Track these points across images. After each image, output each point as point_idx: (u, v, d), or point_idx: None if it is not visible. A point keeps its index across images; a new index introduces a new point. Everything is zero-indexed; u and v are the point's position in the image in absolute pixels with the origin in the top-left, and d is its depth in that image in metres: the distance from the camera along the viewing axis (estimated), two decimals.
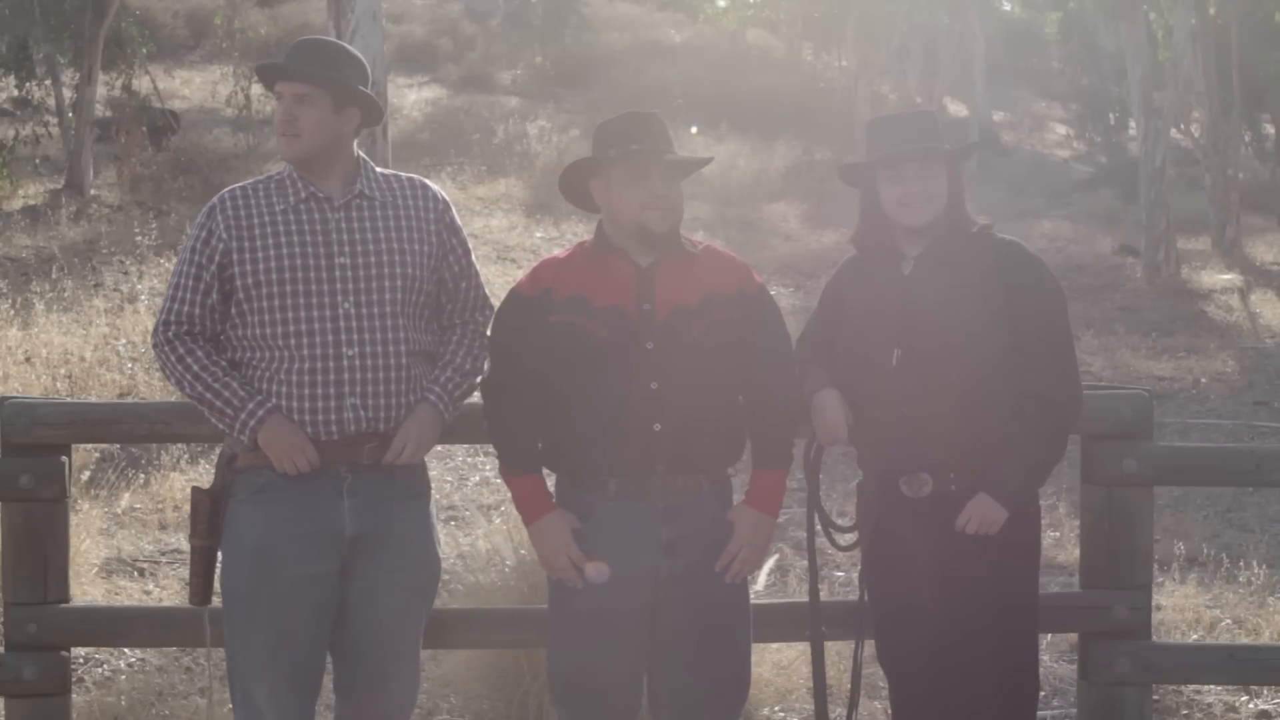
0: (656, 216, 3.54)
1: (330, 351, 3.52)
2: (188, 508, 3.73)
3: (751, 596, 3.78)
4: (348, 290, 3.55)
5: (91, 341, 9.76)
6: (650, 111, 3.67)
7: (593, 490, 3.54)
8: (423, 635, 3.75)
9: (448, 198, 3.80)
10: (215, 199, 3.64)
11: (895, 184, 3.70)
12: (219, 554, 3.64)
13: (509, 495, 3.72)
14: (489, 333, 3.70)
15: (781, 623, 4.19)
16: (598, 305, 3.52)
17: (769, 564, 6.25)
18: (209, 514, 3.57)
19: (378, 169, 3.74)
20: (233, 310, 3.56)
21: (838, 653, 4.99)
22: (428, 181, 3.81)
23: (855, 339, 3.77)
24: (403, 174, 3.81)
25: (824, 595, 4.77)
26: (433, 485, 3.80)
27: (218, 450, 3.71)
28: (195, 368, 3.53)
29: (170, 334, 3.56)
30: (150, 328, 3.80)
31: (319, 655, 3.59)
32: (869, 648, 3.90)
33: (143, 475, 7.70)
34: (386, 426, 3.56)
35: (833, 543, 3.91)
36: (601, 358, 3.49)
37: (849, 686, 3.93)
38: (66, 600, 4.16)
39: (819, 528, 3.86)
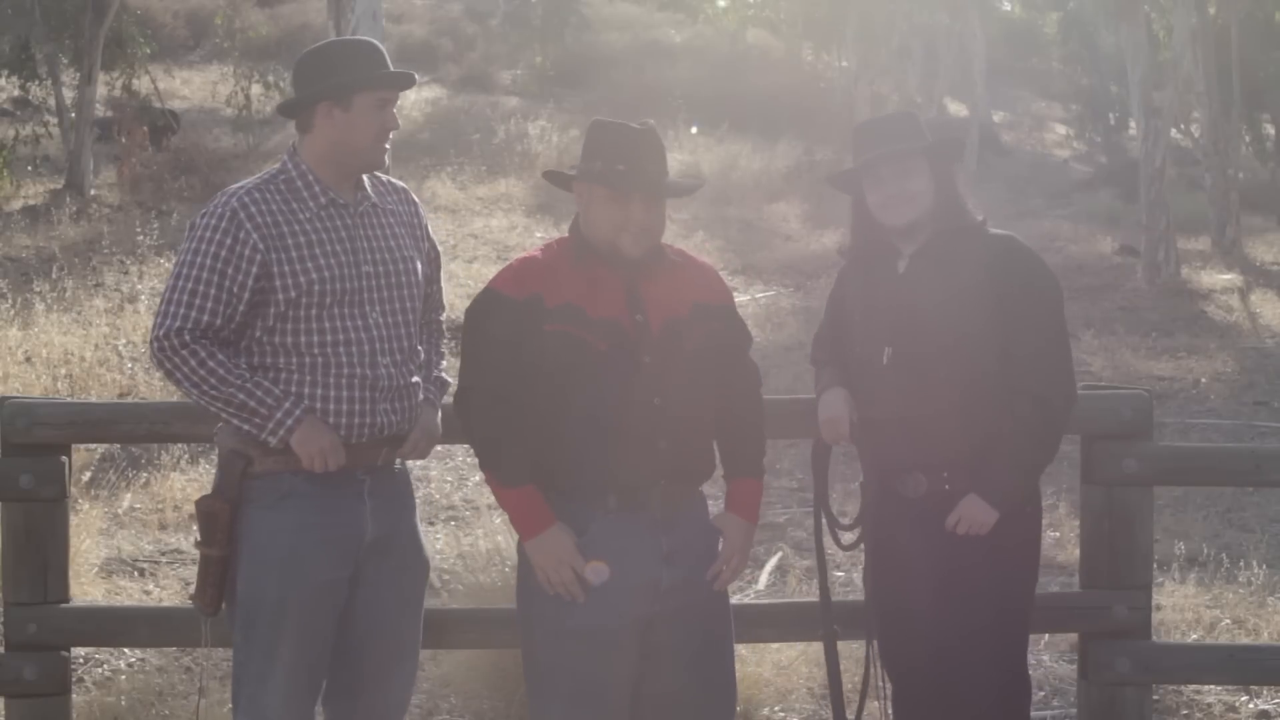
0: (630, 241, 3.47)
1: (367, 360, 3.51)
2: (188, 508, 3.70)
3: (752, 597, 3.77)
4: (374, 300, 3.55)
5: (91, 341, 9.76)
6: (645, 128, 3.54)
7: (590, 504, 3.47)
8: (421, 632, 3.76)
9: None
10: (234, 204, 3.48)
11: (876, 188, 3.71)
12: (232, 562, 3.54)
13: None
14: (471, 337, 3.59)
15: (782, 623, 4.19)
16: (593, 316, 3.45)
17: (770, 563, 6.26)
18: (228, 523, 3.49)
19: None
20: (268, 320, 3.48)
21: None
22: (403, 184, 3.83)
23: (855, 338, 3.77)
24: (381, 176, 3.76)
25: None
26: (432, 485, 3.81)
27: (218, 452, 3.64)
28: (220, 371, 3.44)
29: (187, 338, 3.43)
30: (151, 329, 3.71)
31: (328, 659, 3.59)
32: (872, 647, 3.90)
33: (143, 475, 7.71)
34: (409, 429, 3.62)
35: (837, 542, 3.91)
36: (601, 370, 3.43)
37: (851, 687, 3.93)
38: (66, 600, 4.16)
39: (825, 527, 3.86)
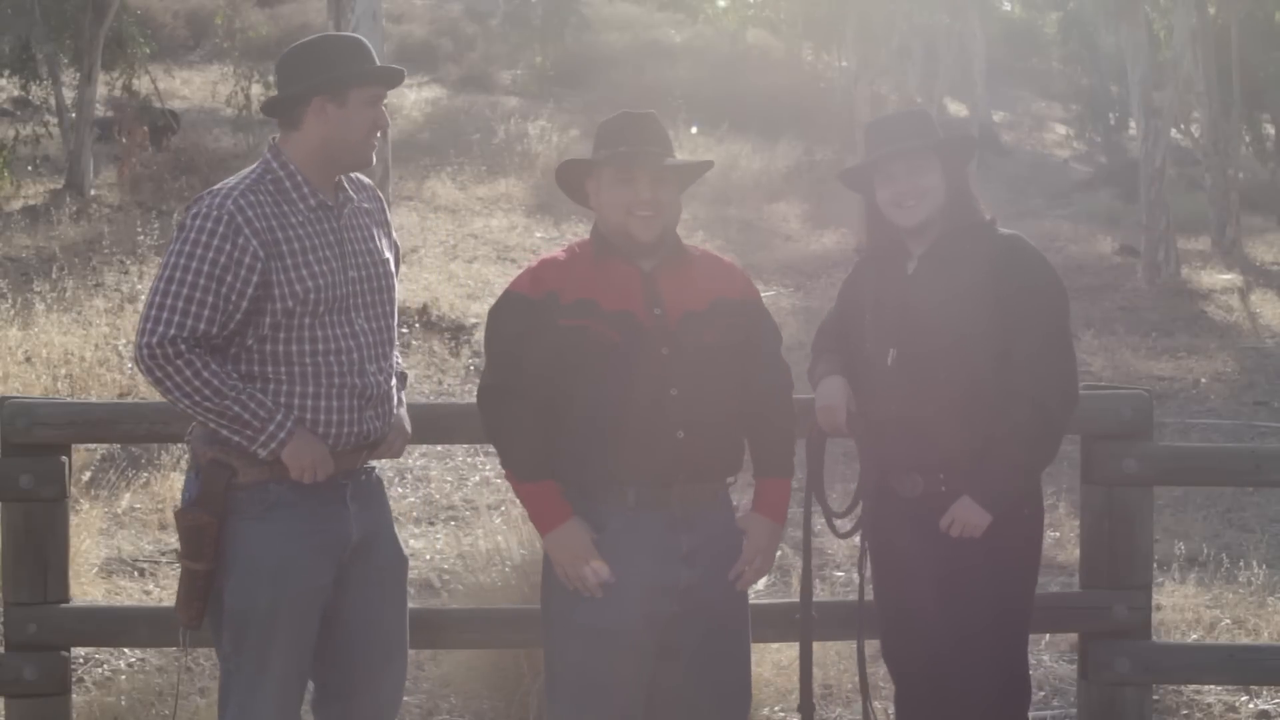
0: (640, 223, 3.48)
1: (356, 369, 3.49)
2: None
3: (752, 597, 3.76)
4: (359, 305, 3.53)
5: (92, 341, 9.76)
6: (646, 112, 3.60)
7: (607, 501, 3.46)
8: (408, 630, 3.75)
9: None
10: (230, 206, 3.37)
11: (887, 184, 3.70)
12: (217, 574, 3.47)
13: (510, 494, 3.69)
14: (490, 337, 3.60)
15: (781, 623, 4.19)
16: (607, 309, 3.45)
17: None
18: (215, 536, 3.43)
19: None
20: (261, 329, 3.41)
21: (837, 652, 4.99)
22: (369, 180, 3.79)
23: (863, 337, 3.77)
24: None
25: (824, 595, 4.76)
26: (432, 485, 3.81)
27: (193, 460, 3.55)
28: (214, 382, 3.36)
29: (182, 347, 3.33)
30: None
31: (311, 663, 3.57)
32: (871, 646, 3.89)
33: (143, 475, 7.70)
34: (388, 432, 3.61)
35: (833, 529, 3.89)
36: (615, 362, 3.43)
37: (849, 686, 3.93)
38: (66, 600, 4.16)
39: (819, 513, 3.84)
